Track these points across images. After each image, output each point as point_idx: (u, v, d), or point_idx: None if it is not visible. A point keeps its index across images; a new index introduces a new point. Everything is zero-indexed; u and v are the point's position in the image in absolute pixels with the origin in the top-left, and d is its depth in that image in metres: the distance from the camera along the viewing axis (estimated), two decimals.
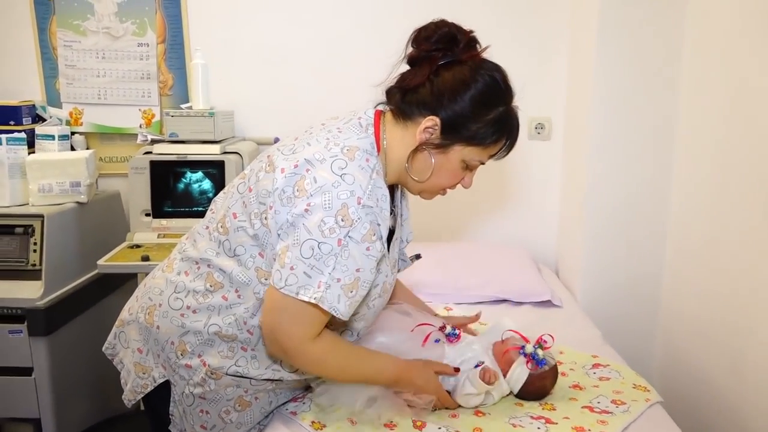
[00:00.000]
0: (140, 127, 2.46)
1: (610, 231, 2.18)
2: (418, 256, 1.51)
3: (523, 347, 1.39)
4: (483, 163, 1.24)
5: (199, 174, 2.14)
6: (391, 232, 1.32)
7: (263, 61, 2.43)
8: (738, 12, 1.75)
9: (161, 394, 1.29)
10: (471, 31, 1.21)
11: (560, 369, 1.50)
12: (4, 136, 2.07)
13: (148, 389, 1.29)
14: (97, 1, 2.39)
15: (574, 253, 2.28)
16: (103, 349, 1.40)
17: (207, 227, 1.27)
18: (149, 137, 2.26)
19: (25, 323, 1.90)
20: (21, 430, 2.07)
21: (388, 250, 1.24)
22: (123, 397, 1.34)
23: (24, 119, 2.29)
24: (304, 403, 1.36)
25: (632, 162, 2.12)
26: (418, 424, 1.26)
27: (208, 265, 1.22)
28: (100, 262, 1.93)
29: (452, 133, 1.17)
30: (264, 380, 1.27)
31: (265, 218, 1.14)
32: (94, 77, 2.44)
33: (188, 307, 1.23)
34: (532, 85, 2.41)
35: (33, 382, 1.94)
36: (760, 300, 1.63)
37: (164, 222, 2.12)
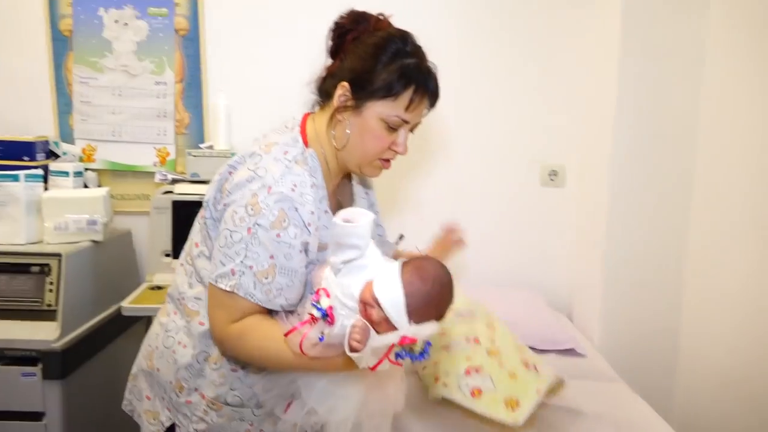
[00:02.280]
0: (155, 165, 2.44)
1: (629, 278, 2.20)
2: (401, 237, 1.49)
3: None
4: (406, 122, 1.20)
5: None
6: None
7: (281, 101, 2.43)
8: (758, 61, 1.82)
9: None
10: (380, 14, 1.24)
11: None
12: (22, 173, 2.03)
13: None
14: (115, 39, 2.39)
15: (591, 299, 2.30)
16: (123, 406, 1.41)
17: (182, 264, 1.33)
18: (169, 177, 2.24)
19: (40, 366, 1.83)
20: None
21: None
22: None
23: (38, 155, 2.25)
24: None
25: (651, 210, 2.17)
26: None
27: (183, 298, 1.28)
28: (124, 304, 1.89)
29: (361, 91, 1.18)
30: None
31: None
32: (109, 114, 2.42)
33: (179, 343, 1.27)
34: (547, 132, 2.47)
35: (44, 427, 1.86)
36: None
37: None
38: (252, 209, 1.10)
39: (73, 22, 2.37)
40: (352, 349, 1.01)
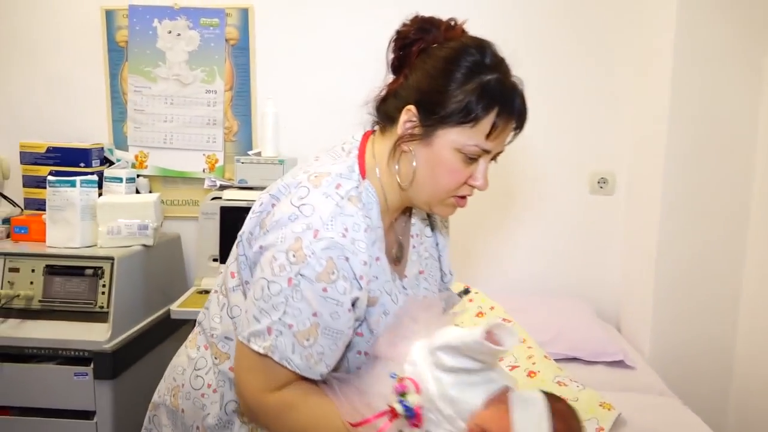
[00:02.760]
0: (204, 171, 2.49)
1: (681, 289, 2.13)
2: (466, 291, 1.34)
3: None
4: (488, 152, 1.01)
5: None
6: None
7: (327, 111, 2.46)
8: None
9: None
10: (451, 19, 1.06)
11: None
12: (78, 179, 2.10)
13: None
14: (169, 49, 2.46)
15: (642, 310, 2.23)
16: None
17: (216, 291, 1.16)
18: (218, 183, 2.28)
19: (91, 366, 1.89)
20: None
21: (405, 287, 1.10)
22: None
23: (93, 162, 2.33)
24: None
25: (706, 220, 2.10)
26: None
27: (213, 336, 1.11)
28: (173, 307, 1.93)
29: (431, 116, 0.98)
30: None
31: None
32: (161, 122, 2.49)
33: (209, 386, 1.11)
34: (597, 138, 2.42)
35: (95, 426, 1.92)
36: None
37: None
38: (295, 256, 0.92)
39: (128, 33, 2.45)
40: None
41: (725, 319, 2.12)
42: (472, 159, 1.00)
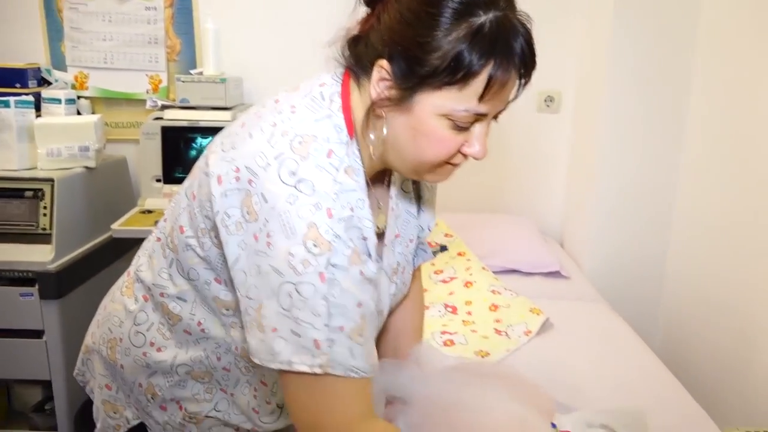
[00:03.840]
0: (147, 92, 2.44)
1: (619, 205, 2.20)
2: (443, 249, 1.21)
3: None
4: (483, 116, 0.80)
5: (210, 140, 2.13)
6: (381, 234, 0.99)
7: (273, 29, 2.40)
8: None
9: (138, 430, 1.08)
10: None
11: None
12: (12, 99, 2.04)
13: (121, 430, 1.08)
14: None
15: (582, 225, 2.31)
16: (75, 374, 1.18)
17: (159, 239, 0.99)
18: (159, 103, 2.24)
19: (36, 286, 1.90)
20: (32, 392, 2.09)
21: (381, 258, 0.95)
22: None
23: (30, 82, 2.25)
24: None
25: (644, 138, 2.14)
26: None
27: (162, 294, 0.96)
28: (114, 226, 1.93)
29: (408, 75, 0.78)
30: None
31: (216, 239, 0.85)
32: (99, 41, 2.40)
33: (152, 344, 0.98)
34: (543, 56, 2.40)
35: (44, 344, 1.94)
36: (766, 272, 1.66)
37: (175, 188, 2.11)
38: (316, 246, 0.74)
39: None
40: None
41: (659, 233, 2.21)
42: (463, 126, 0.80)
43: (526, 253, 2.12)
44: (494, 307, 1.72)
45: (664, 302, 2.24)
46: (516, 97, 0.82)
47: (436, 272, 1.94)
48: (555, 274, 2.07)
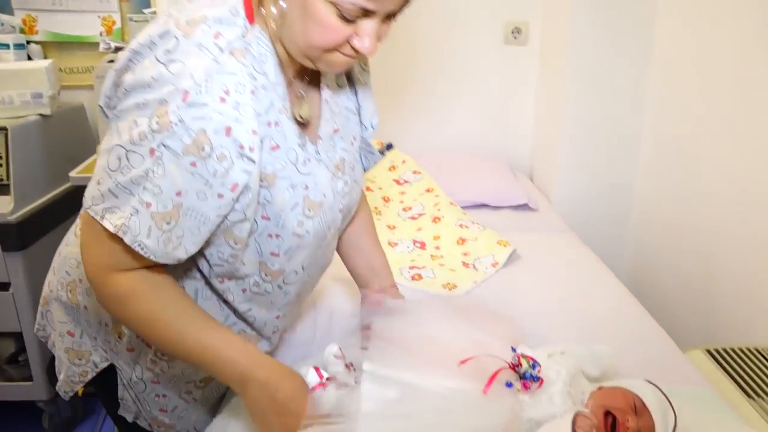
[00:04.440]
0: (100, 35, 2.34)
1: (587, 136, 2.20)
2: (389, 147, 1.16)
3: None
4: (371, 12, 0.79)
5: None
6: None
7: None
8: None
9: (107, 376, 1.08)
10: None
11: None
12: None
13: (89, 376, 1.08)
14: None
15: (550, 158, 2.31)
16: (35, 331, 1.18)
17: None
18: (113, 45, 2.15)
19: None
20: (4, 344, 2.07)
21: (318, 151, 0.94)
22: (57, 387, 1.14)
23: None
24: None
25: (610, 69, 2.13)
26: None
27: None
28: (73, 174, 1.88)
29: None
30: None
31: None
32: None
33: None
34: None
35: (11, 297, 1.92)
36: (731, 197, 1.69)
37: None
38: (158, 123, 0.75)
39: None
40: None
41: (626, 163, 2.22)
42: (350, 18, 0.78)
43: (494, 187, 2.11)
44: (462, 241, 1.72)
45: (631, 231, 2.27)
46: (408, 1, 0.82)
47: (404, 209, 1.93)
48: (523, 207, 2.08)
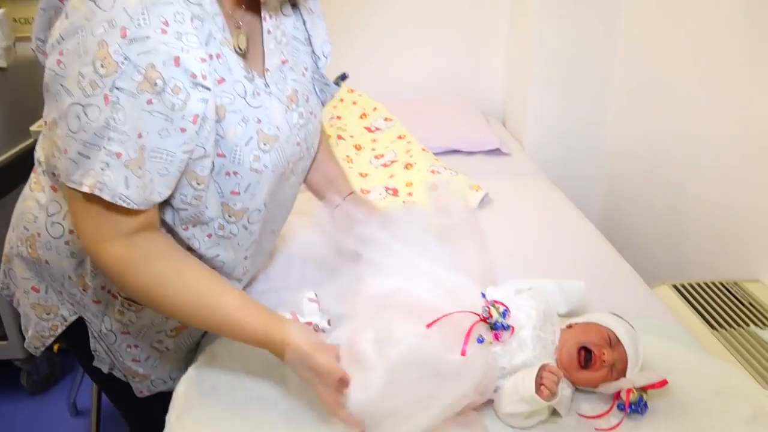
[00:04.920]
0: None
1: (558, 78, 2.19)
2: (343, 77, 1.12)
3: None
4: None
5: None
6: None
7: None
8: None
9: (77, 329, 1.07)
10: None
11: None
12: None
13: (59, 330, 1.07)
14: None
15: (522, 102, 2.30)
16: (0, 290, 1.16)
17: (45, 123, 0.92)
18: None
19: None
20: None
21: (267, 84, 0.93)
22: (26, 345, 1.13)
23: None
24: None
25: (581, 9, 2.10)
26: None
27: (56, 174, 0.92)
28: (33, 128, 1.83)
29: None
30: None
31: None
32: None
33: (71, 232, 0.97)
34: None
35: None
36: (699, 135, 1.70)
37: None
38: (103, 66, 0.72)
39: None
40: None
41: (598, 105, 2.22)
42: None
43: (466, 133, 2.11)
44: (434, 187, 1.71)
45: (603, 171, 2.29)
46: None
47: (376, 157, 1.92)
48: (496, 152, 2.08)
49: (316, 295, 1.00)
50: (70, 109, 0.74)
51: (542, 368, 0.88)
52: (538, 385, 0.86)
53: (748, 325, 1.32)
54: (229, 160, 0.87)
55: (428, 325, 0.88)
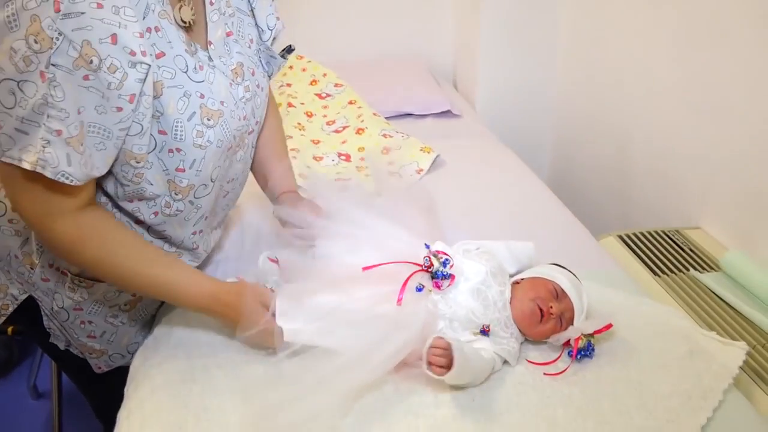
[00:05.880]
0: None
1: (506, 38, 2.20)
2: (289, 50, 1.10)
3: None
4: None
5: None
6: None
7: None
8: None
9: (30, 306, 1.06)
10: None
11: None
12: None
13: (10, 309, 1.05)
14: None
15: (472, 63, 2.31)
16: None
17: None
18: None
19: None
20: None
21: (211, 57, 0.91)
22: None
23: None
24: None
25: None
26: None
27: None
28: None
29: None
30: None
31: None
32: None
33: (14, 210, 0.96)
34: None
35: None
36: (643, 88, 1.75)
37: None
38: (37, 42, 0.70)
39: None
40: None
41: (545, 63, 2.24)
42: None
43: (416, 95, 2.11)
44: (386, 151, 1.73)
45: (551, 127, 2.33)
46: None
47: (328, 123, 1.92)
48: (447, 114, 2.09)
49: (276, 256, 1.01)
50: (3, 84, 0.72)
51: (434, 339, 0.87)
52: (428, 364, 0.86)
53: (688, 270, 1.38)
54: (171, 137, 0.86)
55: (365, 269, 0.91)
